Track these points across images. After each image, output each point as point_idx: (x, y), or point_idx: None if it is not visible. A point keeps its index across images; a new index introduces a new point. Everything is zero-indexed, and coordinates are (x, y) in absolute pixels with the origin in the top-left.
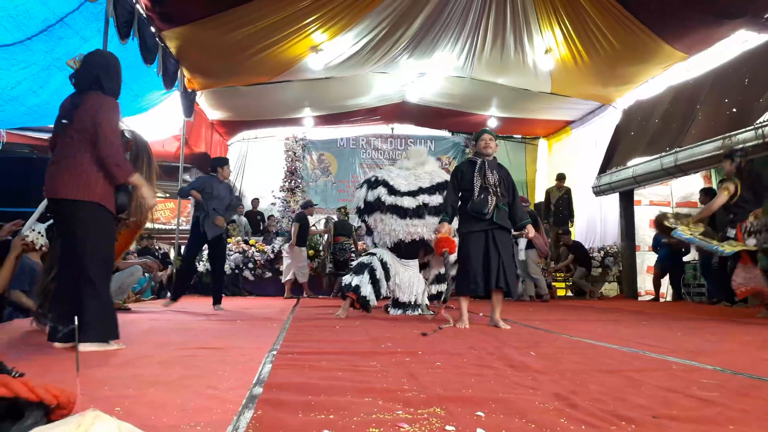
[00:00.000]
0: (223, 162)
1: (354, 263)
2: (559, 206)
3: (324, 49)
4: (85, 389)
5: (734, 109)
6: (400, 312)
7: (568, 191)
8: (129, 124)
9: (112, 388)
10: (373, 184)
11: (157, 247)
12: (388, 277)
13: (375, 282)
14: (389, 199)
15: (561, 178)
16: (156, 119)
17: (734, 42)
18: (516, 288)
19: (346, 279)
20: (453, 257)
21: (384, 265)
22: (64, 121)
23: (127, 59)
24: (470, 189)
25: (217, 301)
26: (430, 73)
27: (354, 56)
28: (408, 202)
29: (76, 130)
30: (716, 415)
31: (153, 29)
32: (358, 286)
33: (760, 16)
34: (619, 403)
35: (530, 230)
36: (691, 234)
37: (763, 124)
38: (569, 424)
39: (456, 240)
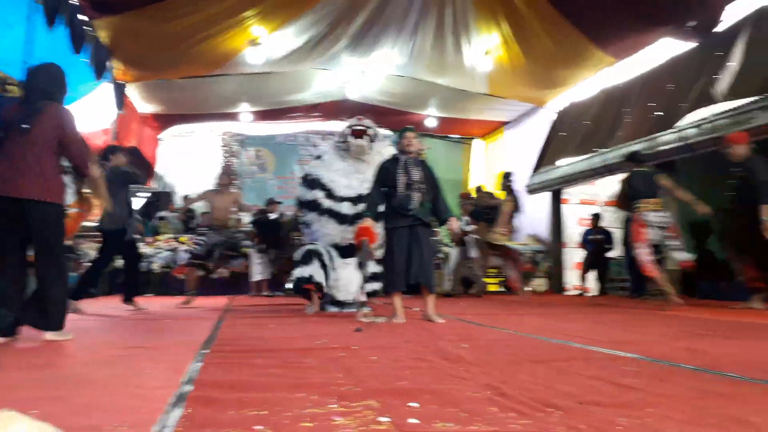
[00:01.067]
0: (115, 150)
1: (298, 253)
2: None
3: (263, 43)
4: None
5: (659, 113)
6: (337, 309)
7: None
8: None
9: (30, 390)
10: (310, 183)
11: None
12: (333, 267)
13: (324, 267)
14: (326, 203)
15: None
16: (84, 111)
17: (661, 48)
18: (434, 282)
19: (298, 272)
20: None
21: (329, 252)
22: (24, 126)
23: (53, 47)
24: (394, 186)
25: (129, 298)
26: (371, 71)
27: (294, 51)
28: (347, 209)
29: (38, 136)
30: (637, 399)
31: (82, 17)
32: (311, 275)
33: (682, 24)
34: (547, 391)
35: (454, 223)
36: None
37: (684, 127)
38: (500, 411)
39: (377, 232)
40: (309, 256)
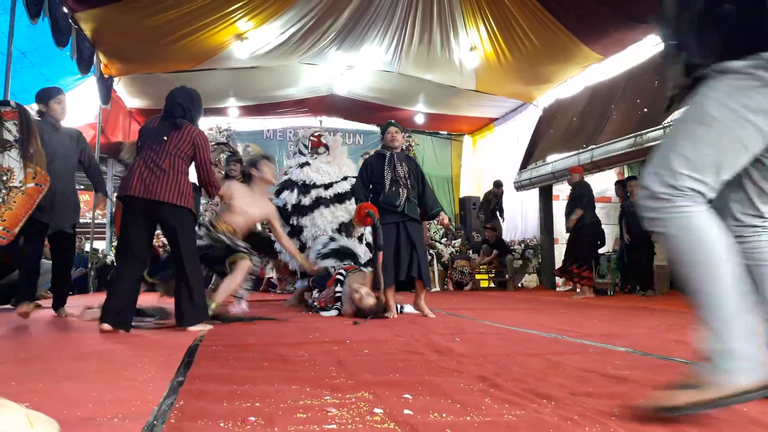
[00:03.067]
0: (53, 93)
1: (326, 249)
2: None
3: (249, 38)
4: None
5: (645, 109)
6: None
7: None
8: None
9: (20, 383)
10: (301, 188)
11: None
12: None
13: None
14: (317, 192)
15: (498, 185)
16: (69, 106)
17: (646, 45)
18: (429, 277)
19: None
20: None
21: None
22: (165, 138)
23: (37, 41)
24: (381, 182)
25: (59, 304)
26: (359, 67)
27: (281, 46)
28: (329, 192)
29: (175, 148)
30: (628, 390)
31: (66, 10)
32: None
33: None
34: (539, 383)
35: (443, 218)
36: None
37: (671, 123)
38: (493, 403)
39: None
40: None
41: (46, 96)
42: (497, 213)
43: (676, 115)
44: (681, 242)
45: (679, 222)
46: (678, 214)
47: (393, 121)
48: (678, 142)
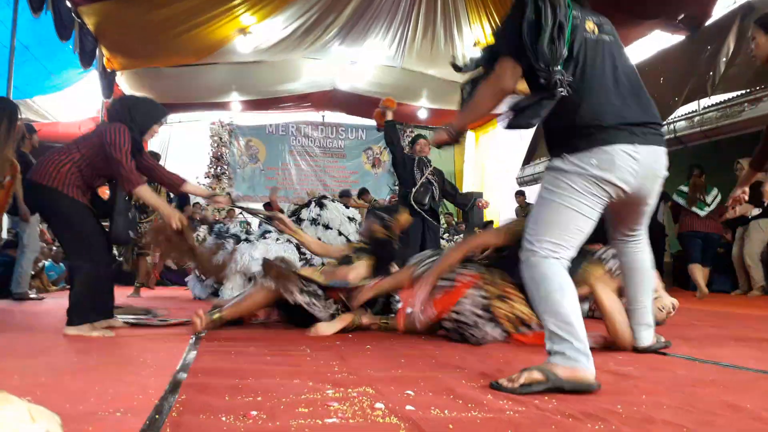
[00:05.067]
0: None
1: None
2: None
3: (253, 32)
4: None
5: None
6: None
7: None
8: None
9: (24, 377)
10: None
11: None
12: None
13: None
14: None
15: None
16: (72, 99)
17: (651, 41)
18: None
19: None
20: None
21: None
22: None
23: (39, 34)
24: (411, 179)
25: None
26: (362, 61)
27: (284, 40)
28: None
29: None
30: (631, 387)
31: (69, 3)
32: None
33: (674, 17)
34: None
35: (484, 201)
36: None
37: (675, 120)
38: (495, 399)
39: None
40: None
41: None
42: None
43: (678, 111)
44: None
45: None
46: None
47: (423, 134)
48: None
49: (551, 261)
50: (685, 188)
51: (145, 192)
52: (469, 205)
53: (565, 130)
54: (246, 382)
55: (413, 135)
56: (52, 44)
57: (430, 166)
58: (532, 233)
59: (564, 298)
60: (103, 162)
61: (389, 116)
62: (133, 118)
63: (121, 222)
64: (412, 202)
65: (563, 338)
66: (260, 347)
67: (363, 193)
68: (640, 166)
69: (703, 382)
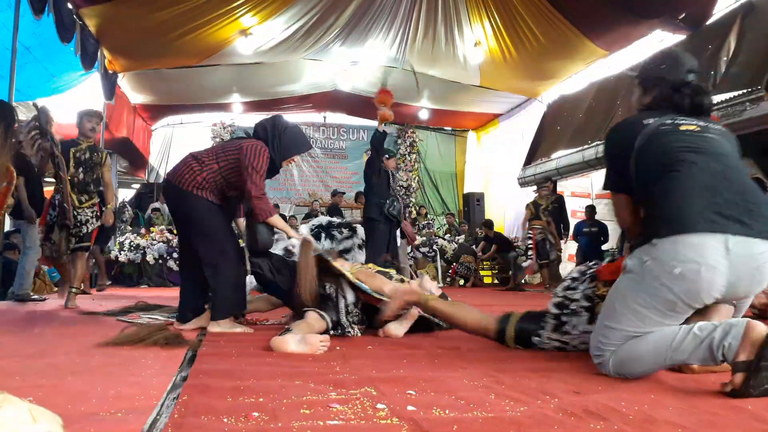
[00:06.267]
0: None
1: None
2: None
3: (254, 34)
4: None
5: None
6: None
7: (559, 199)
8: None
9: (24, 378)
10: None
11: None
12: None
13: None
14: None
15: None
16: (74, 101)
17: (652, 40)
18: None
19: None
20: None
21: None
22: None
23: (41, 36)
24: (387, 190)
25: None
26: (363, 62)
27: (285, 42)
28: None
29: None
30: (633, 386)
31: (70, 6)
32: None
33: (675, 17)
34: (543, 380)
35: (406, 225)
36: None
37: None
38: (497, 399)
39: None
40: None
41: None
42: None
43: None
44: None
45: None
46: None
47: (392, 150)
48: None
49: None
50: None
51: (276, 221)
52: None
53: None
54: (247, 384)
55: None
56: (53, 46)
57: (396, 180)
58: None
59: None
60: (237, 177)
61: (381, 127)
62: (281, 142)
63: (265, 229)
64: (387, 213)
65: None
66: (260, 348)
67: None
68: None
69: (705, 383)
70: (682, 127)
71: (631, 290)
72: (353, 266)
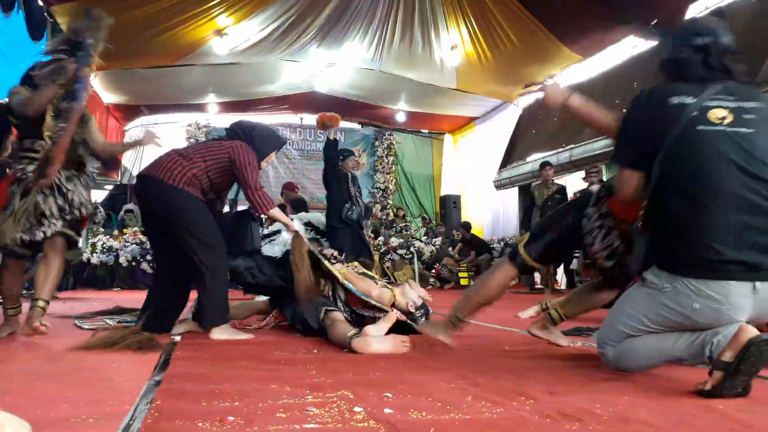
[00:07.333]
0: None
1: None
2: (549, 210)
3: (229, 34)
4: None
5: (624, 109)
6: None
7: (561, 190)
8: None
9: None
10: None
11: None
12: None
13: None
14: None
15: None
16: None
17: (625, 46)
18: None
19: None
20: None
21: None
22: None
23: (11, 34)
24: (346, 195)
25: None
26: (340, 64)
27: (261, 42)
28: None
29: None
30: (608, 387)
31: (41, 3)
32: None
33: (647, 23)
34: (520, 381)
35: (375, 210)
36: None
37: None
38: (474, 401)
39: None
40: None
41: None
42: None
43: None
44: None
45: None
46: None
47: (352, 151)
48: None
49: None
50: None
51: (276, 213)
52: (368, 214)
53: None
54: (222, 387)
55: (345, 152)
56: (24, 44)
57: (357, 182)
58: None
59: None
60: (221, 178)
61: (331, 135)
62: (254, 142)
63: (258, 230)
64: (345, 218)
65: None
66: (236, 352)
67: None
68: None
69: (678, 383)
70: (711, 115)
71: (645, 302)
72: (342, 267)
